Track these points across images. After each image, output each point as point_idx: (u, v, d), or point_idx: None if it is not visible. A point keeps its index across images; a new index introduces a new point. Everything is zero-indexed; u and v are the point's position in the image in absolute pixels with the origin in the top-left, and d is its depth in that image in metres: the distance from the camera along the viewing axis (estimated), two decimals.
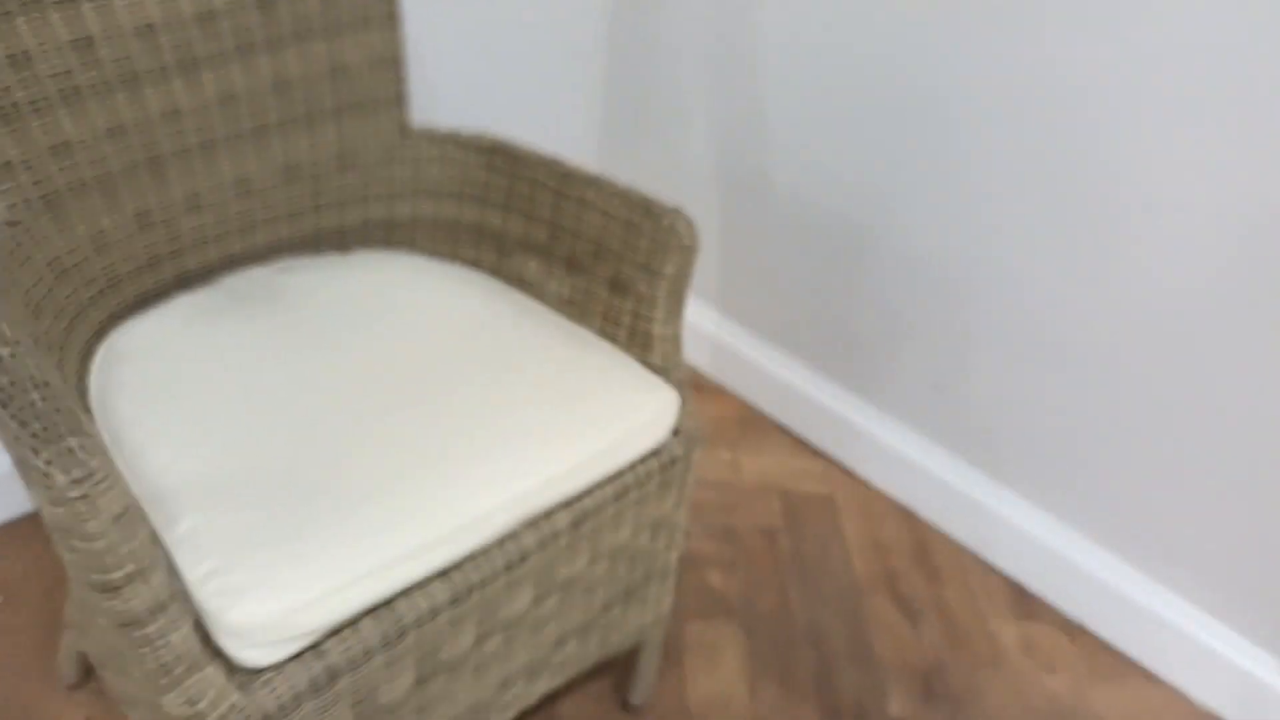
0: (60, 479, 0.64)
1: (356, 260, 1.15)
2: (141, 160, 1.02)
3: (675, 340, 1.06)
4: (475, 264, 1.18)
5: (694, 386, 1.84)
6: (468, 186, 1.16)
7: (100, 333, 1.02)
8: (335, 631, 0.82)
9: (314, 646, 0.81)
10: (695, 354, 1.86)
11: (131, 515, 0.69)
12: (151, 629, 0.73)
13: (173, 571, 0.78)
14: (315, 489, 0.84)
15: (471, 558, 0.89)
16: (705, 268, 1.77)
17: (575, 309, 1.11)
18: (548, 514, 0.95)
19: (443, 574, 0.88)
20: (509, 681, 1.01)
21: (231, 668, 0.78)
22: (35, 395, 0.70)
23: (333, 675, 0.81)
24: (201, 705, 0.75)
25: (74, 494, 0.65)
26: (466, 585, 0.88)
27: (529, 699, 1.06)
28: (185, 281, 1.11)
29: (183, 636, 0.74)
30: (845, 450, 1.66)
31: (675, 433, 1.06)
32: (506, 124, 1.65)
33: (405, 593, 0.86)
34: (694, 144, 1.68)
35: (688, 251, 1.01)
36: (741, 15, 1.51)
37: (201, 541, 0.79)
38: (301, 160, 1.13)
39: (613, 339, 1.08)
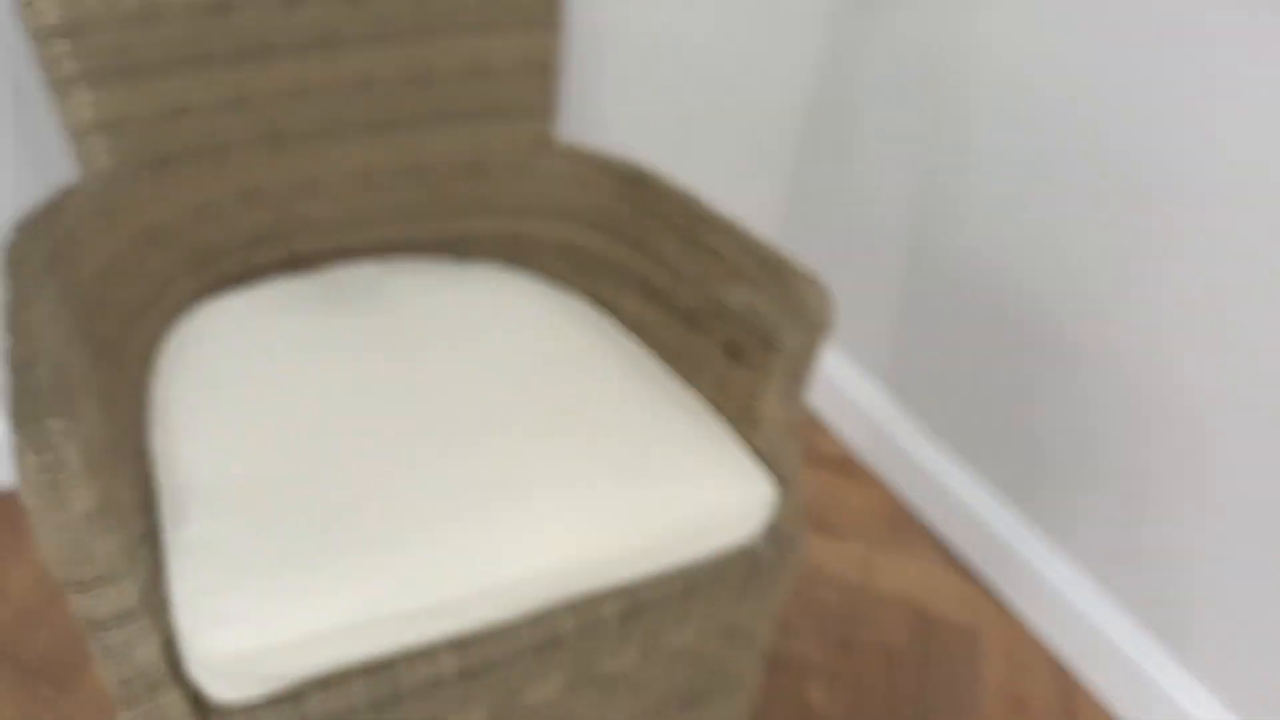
0: (30, 459, 0.58)
1: (468, 272, 1.06)
2: (262, 135, 0.98)
3: (789, 426, 0.91)
4: (593, 297, 1.08)
5: (843, 469, 1.67)
6: (599, 214, 1.06)
7: (193, 302, 0.98)
8: (322, 682, 0.72)
9: (294, 695, 0.71)
10: (852, 432, 1.69)
11: (105, 515, 0.62)
12: (114, 637, 0.65)
13: (158, 577, 0.71)
14: (337, 517, 0.75)
15: (494, 631, 0.78)
16: (879, 341, 1.60)
17: (687, 367, 0.98)
18: (594, 599, 0.82)
19: (457, 643, 0.77)
20: None
21: (197, 699, 0.70)
22: (43, 370, 0.64)
23: None
24: None
25: (41, 478, 0.58)
26: (483, 661, 0.77)
27: None
28: (293, 264, 1.06)
29: (148, 653, 0.66)
30: (1002, 577, 1.44)
31: (768, 532, 0.91)
32: (684, 168, 1.55)
33: (408, 656, 0.75)
34: (885, 215, 1.52)
35: (816, 327, 0.86)
36: (951, 87, 1.35)
37: (200, 552, 0.71)
38: (430, 160, 1.06)
39: (719, 409, 0.95)
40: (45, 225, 0.79)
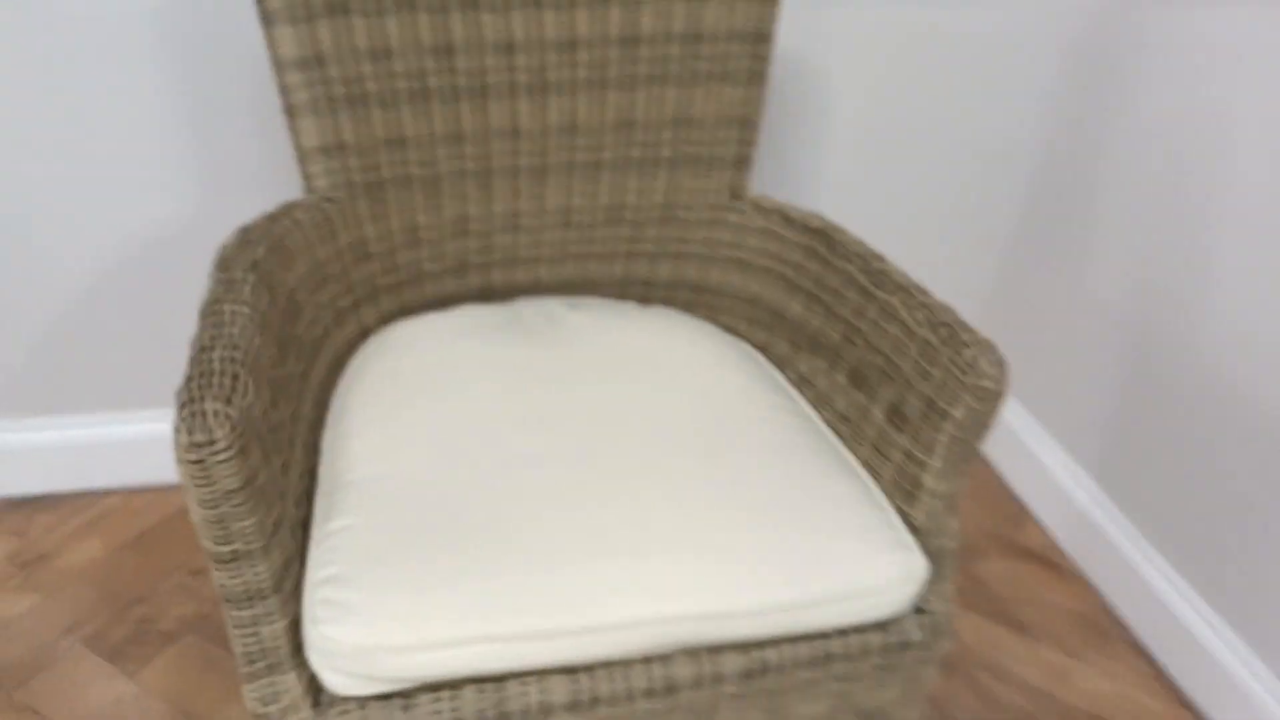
0: (184, 438, 0.64)
1: (649, 314, 1.08)
2: (471, 170, 1.04)
3: (949, 501, 0.85)
4: (765, 350, 1.06)
5: (1045, 562, 1.53)
6: (781, 265, 1.04)
7: (386, 319, 1.05)
8: (433, 688, 0.74)
9: (404, 695, 0.74)
10: (1058, 524, 1.56)
11: (249, 497, 0.67)
12: (245, 613, 0.70)
13: (296, 564, 0.75)
14: (478, 534, 0.77)
15: (607, 666, 0.77)
16: (1089, 427, 1.47)
17: (848, 428, 0.94)
18: (715, 649, 0.79)
19: (571, 673, 0.77)
20: None
21: (313, 683, 0.73)
22: (218, 354, 0.70)
23: None
24: (272, 710, 0.71)
25: (190, 456, 0.64)
26: (592, 695, 0.76)
27: None
28: (486, 293, 1.11)
29: (274, 633, 0.71)
30: (1214, 704, 1.27)
31: (918, 612, 0.85)
32: (883, 240, 1.50)
33: (520, 677, 0.76)
34: (1106, 301, 1.40)
35: (987, 396, 0.80)
36: (1194, 173, 1.23)
37: (340, 544, 0.76)
38: (626, 203, 1.09)
39: (877, 476, 0.90)
40: (261, 231, 0.87)
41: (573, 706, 0.76)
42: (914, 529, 0.86)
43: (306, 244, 0.93)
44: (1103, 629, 1.44)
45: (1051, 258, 1.52)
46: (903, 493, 0.87)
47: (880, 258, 0.94)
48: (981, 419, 0.81)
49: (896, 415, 0.88)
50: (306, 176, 0.97)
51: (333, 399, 0.94)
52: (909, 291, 0.88)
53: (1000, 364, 0.80)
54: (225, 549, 0.67)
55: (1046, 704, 1.31)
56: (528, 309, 1.08)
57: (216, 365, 0.69)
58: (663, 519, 0.80)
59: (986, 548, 1.56)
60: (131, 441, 1.41)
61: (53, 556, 1.39)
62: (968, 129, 1.42)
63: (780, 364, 1.04)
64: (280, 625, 0.71)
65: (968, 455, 0.84)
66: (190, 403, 0.65)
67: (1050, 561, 1.54)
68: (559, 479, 0.83)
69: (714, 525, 0.80)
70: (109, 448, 1.43)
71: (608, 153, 1.07)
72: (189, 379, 0.67)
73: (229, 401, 0.66)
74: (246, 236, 0.86)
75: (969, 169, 1.46)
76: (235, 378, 0.68)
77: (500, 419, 0.89)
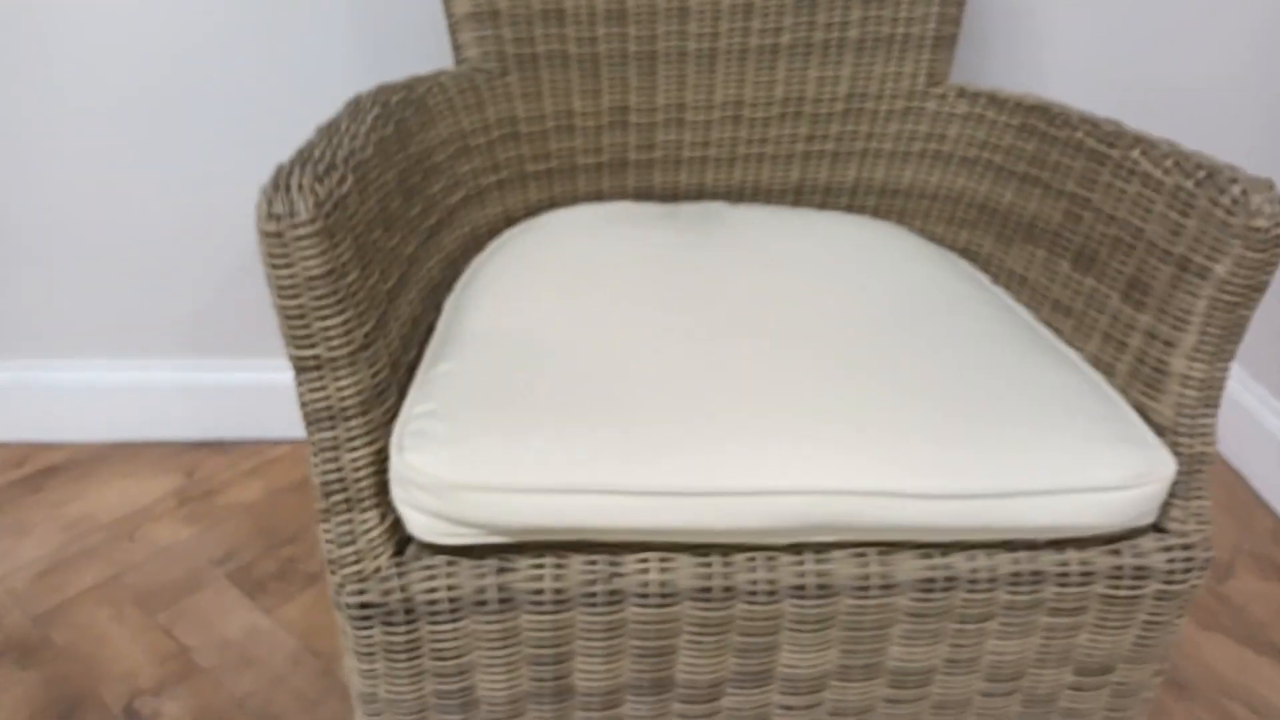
0: (263, 209, 0.55)
1: (831, 217, 0.93)
2: (634, 52, 0.95)
3: (1206, 393, 0.66)
4: (966, 252, 0.89)
5: None
6: (988, 151, 0.88)
7: (532, 211, 0.96)
8: (534, 551, 0.62)
9: (500, 554, 0.62)
10: None
11: (335, 292, 0.58)
12: (326, 434, 0.60)
13: (394, 398, 0.65)
14: (603, 386, 0.65)
15: (746, 551, 0.62)
16: None
17: (1071, 322, 0.76)
18: (887, 548, 0.63)
19: (700, 550, 0.62)
20: None
21: (396, 528, 0.62)
22: (320, 147, 0.62)
23: (508, 602, 0.61)
24: (347, 550, 0.60)
25: (269, 227, 0.55)
26: (725, 583, 0.61)
27: None
28: (644, 198, 1.00)
29: (356, 461, 0.61)
30: None
31: (1157, 530, 0.65)
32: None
33: (639, 551, 0.62)
34: None
35: (1262, 241, 0.61)
36: None
37: (444, 385, 0.65)
38: (805, 94, 0.96)
39: (1109, 371, 0.72)
40: (401, 86, 0.81)
41: (702, 595, 0.61)
42: (1158, 429, 0.67)
43: (450, 108, 0.86)
44: None
45: None
46: (1143, 385, 0.68)
47: (1112, 120, 0.76)
48: (1254, 273, 0.62)
49: (1136, 290, 0.69)
50: (457, 47, 0.91)
51: (466, 269, 0.85)
52: (1152, 143, 0.71)
53: (1278, 200, 0.61)
54: (307, 353, 0.58)
55: None
56: (689, 207, 0.96)
57: (316, 154, 0.61)
58: (829, 391, 0.65)
59: (1236, 565, 1.29)
60: None
61: (216, 495, 1.38)
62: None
63: (985, 265, 0.87)
64: (364, 454, 0.61)
65: (1232, 329, 0.64)
66: (279, 178, 0.57)
67: None
68: (706, 351, 0.69)
69: (893, 403, 0.64)
70: (284, 396, 1.41)
71: (786, 35, 0.95)
72: (284, 165, 0.59)
73: (319, 180, 0.57)
74: (383, 86, 0.80)
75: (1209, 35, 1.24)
76: (332, 166, 0.60)
77: (646, 299, 0.77)
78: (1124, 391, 0.69)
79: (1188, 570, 0.64)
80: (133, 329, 1.35)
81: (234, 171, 1.22)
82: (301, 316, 0.57)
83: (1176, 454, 0.65)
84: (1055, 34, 1.18)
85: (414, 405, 0.64)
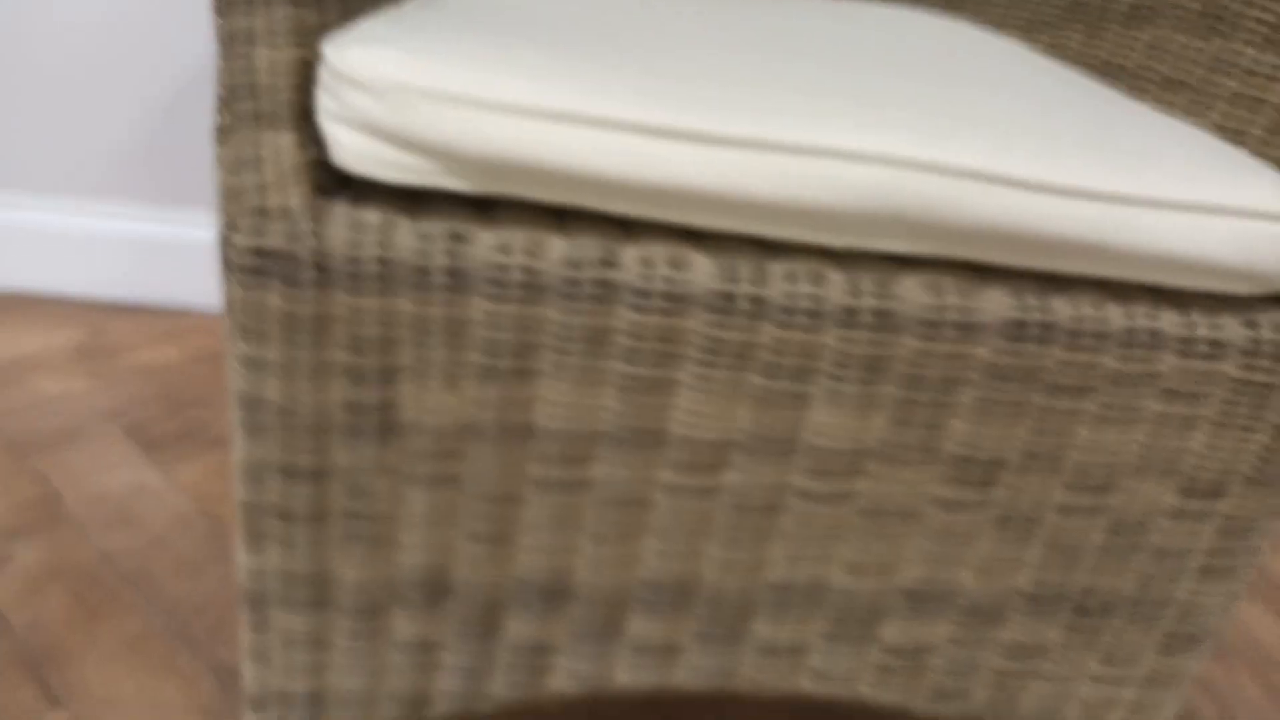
0: None
1: (889, 7, 0.79)
2: None
3: None
4: (1054, 49, 0.75)
5: None
6: None
7: None
8: (504, 224, 0.46)
9: (457, 218, 0.45)
10: None
11: None
12: (238, 22, 0.44)
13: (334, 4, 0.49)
14: (629, 34, 0.49)
15: (789, 257, 0.47)
16: None
17: (1187, 96, 0.62)
18: (970, 276, 0.48)
19: (714, 241, 0.47)
20: (789, 613, 0.53)
21: (321, 170, 0.46)
22: None
23: (459, 278, 0.45)
24: (246, 178, 0.44)
25: None
26: (750, 289, 0.46)
27: (815, 684, 0.56)
28: None
29: (274, 61, 0.44)
30: None
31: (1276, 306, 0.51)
32: None
33: (633, 230, 0.46)
34: None
35: None
36: None
37: (405, 11, 0.49)
38: None
39: (1237, 138, 0.58)
40: None
41: (720, 304, 0.45)
42: None
43: None
44: None
45: None
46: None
47: None
48: None
49: (1274, 35, 0.56)
50: None
51: None
52: None
53: None
54: None
55: None
56: None
57: None
58: (913, 87, 0.50)
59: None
60: None
61: (120, 354, 1.20)
62: None
63: (1078, 60, 0.73)
64: (287, 55, 0.44)
65: None
66: None
67: None
68: (754, 40, 0.54)
69: (990, 103, 0.49)
70: (207, 259, 1.24)
71: None
72: None
73: None
74: None
75: None
76: None
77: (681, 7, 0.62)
78: (1263, 155, 0.55)
79: None
80: (43, 164, 1.18)
81: None
82: None
83: None
84: None
85: (361, 20, 0.47)
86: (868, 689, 0.57)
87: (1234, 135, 0.58)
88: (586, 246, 0.45)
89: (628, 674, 0.55)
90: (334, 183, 0.47)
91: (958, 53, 0.61)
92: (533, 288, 0.45)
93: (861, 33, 0.62)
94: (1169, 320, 0.48)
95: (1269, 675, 0.94)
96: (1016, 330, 0.47)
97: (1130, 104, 0.59)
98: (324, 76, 0.44)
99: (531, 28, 0.48)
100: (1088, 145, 0.48)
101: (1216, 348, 0.49)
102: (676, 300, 0.46)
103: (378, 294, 0.45)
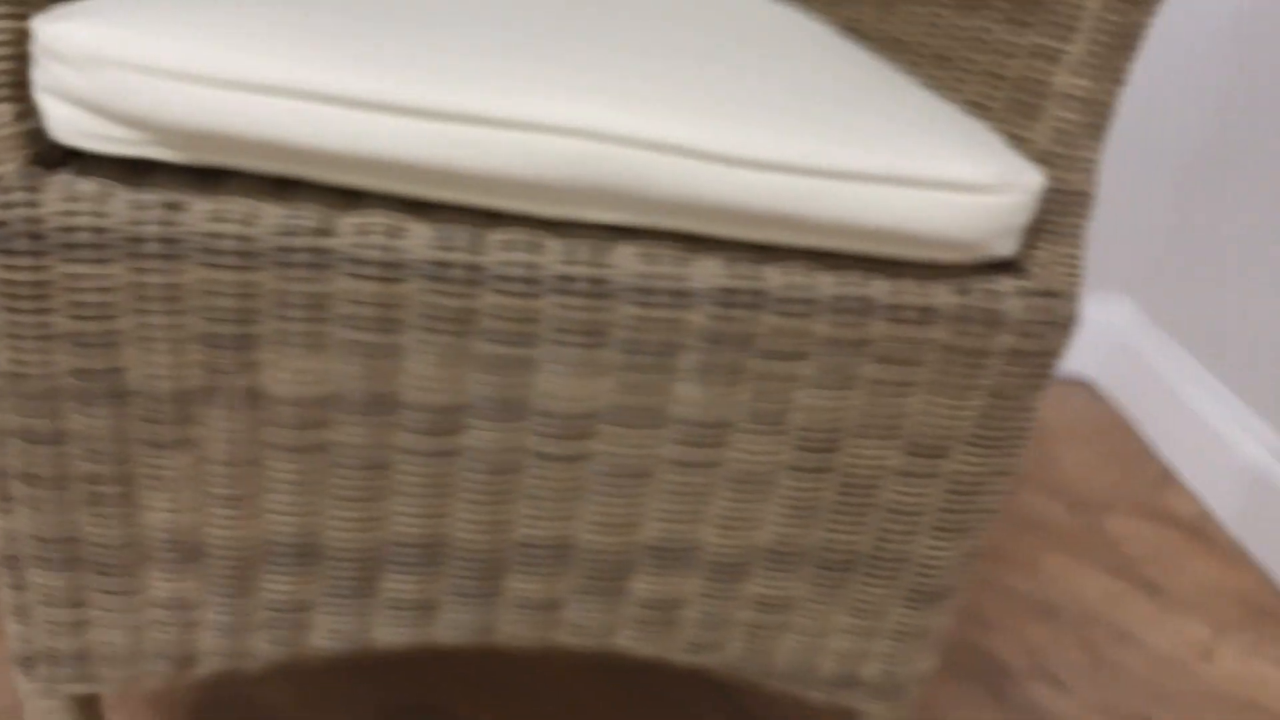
0: None
1: None
2: None
3: (1092, 113, 0.54)
4: (849, 23, 0.77)
5: (1195, 534, 1.16)
6: None
7: None
8: (227, 193, 0.47)
9: (182, 188, 0.46)
10: (1218, 492, 1.18)
11: None
12: None
13: None
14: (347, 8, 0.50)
15: (506, 229, 0.48)
16: (1270, 377, 1.12)
17: (948, 71, 0.64)
18: (684, 245, 0.50)
19: (434, 211, 0.48)
20: (529, 558, 0.56)
21: (41, 140, 0.47)
22: None
23: (174, 245, 0.46)
24: None
25: None
26: (466, 257, 0.47)
27: (568, 636, 0.58)
28: None
29: None
30: None
31: (1014, 270, 0.53)
32: None
33: (352, 202, 0.48)
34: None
35: None
36: None
37: None
38: None
39: (984, 111, 0.60)
40: None
41: (437, 272, 0.47)
42: (1033, 156, 0.55)
43: None
44: (1269, 610, 1.06)
45: (1237, 183, 1.20)
46: (1020, 111, 0.56)
47: None
48: None
49: (1020, 9, 0.58)
50: None
51: None
52: None
53: None
54: None
55: (1180, 679, 0.94)
56: None
57: None
58: (637, 53, 0.51)
59: (1118, 504, 1.20)
60: None
61: None
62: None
63: (869, 36, 0.75)
64: (3, 28, 0.45)
65: (1124, 37, 0.53)
66: None
67: (1201, 531, 1.17)
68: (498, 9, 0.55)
69: (709, 75, 0.51)
70: None
71: None
72: None
73: None
74: None
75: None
76: None
77: None
78: (999, 129, 0.58)
79: (1048, 323, 0.52)
80: None
81: None
82: None
83: (1052, 174, 0.54)
84: None
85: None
86: (626, 641, 0.59)
87: (982, 110, 0.60)
88: (303, 215, 0.47)
89: (388, 631, 0.57)
90: (61, 155, 0.48)
91: (731, 30, 0.63)
92: (248, 254, 0.46)
93: (648, 7, 0.63)
94: (879, 288, 0.51)
95: (1088, 632, 0.98)
96: (728, 297, 0.49)
97: (894, 80, 0.61)
98: (33, 50, 0.45)
99: (265, 4, 0.49)
100: (813, 119, 0.49)
101: (927, 314, 0.51)
102: (393, 267, 0.47)
103: (94, 262, 0.46)
